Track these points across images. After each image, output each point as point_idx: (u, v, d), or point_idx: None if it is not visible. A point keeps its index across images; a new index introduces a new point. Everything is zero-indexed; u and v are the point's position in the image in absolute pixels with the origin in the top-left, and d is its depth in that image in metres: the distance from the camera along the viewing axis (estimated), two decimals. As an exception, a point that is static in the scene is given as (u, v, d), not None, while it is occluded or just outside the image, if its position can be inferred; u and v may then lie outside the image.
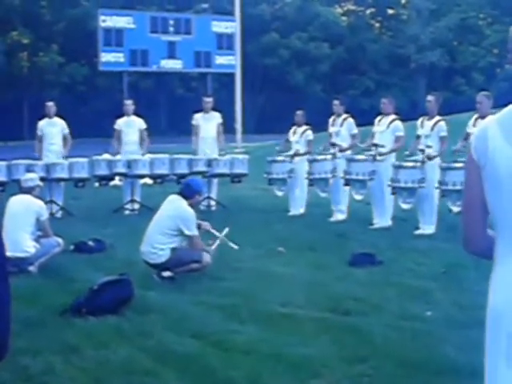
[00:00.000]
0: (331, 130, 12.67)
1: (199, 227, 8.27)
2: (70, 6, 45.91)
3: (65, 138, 13.79)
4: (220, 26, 31.11)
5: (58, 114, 13.92)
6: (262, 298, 7.12)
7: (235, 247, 8.68)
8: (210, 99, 14.41)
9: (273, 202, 13.82)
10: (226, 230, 8.77)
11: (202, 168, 13.67)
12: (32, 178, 9.12)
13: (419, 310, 6.66)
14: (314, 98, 46.62)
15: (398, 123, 11.67)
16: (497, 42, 53.56)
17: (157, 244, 7.98)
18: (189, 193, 8.23)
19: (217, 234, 8.62)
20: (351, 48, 53.27)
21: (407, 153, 11.36)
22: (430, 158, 10.77)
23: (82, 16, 43.91)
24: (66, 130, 13.80)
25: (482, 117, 10.09)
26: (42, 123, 13.85)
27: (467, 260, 7.91)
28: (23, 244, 8.36)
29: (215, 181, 14.18)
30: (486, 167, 2.37)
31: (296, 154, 12.97)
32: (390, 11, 57.63)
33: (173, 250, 7.98)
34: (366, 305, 6.87)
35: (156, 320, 6.39)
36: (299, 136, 13.18)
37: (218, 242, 8.55)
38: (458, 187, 9.95)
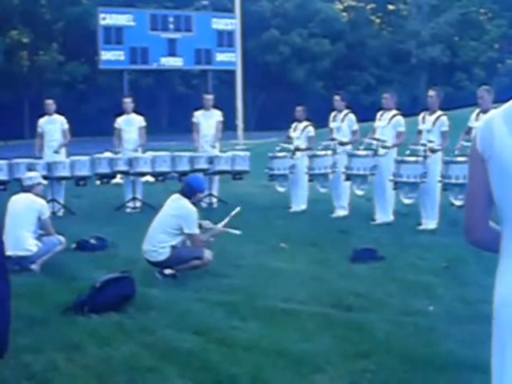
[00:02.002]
0: (332, 125, 12.67)
1: (200, 227, 8.28)
2: (70, 4, 45.84)
3: (64, 134, 13.81)
4: (220, 23, 31.06)
5: (59, 112, 13.93)
6: (264, 294, 7.13)
7: (237, 233, 8.65)
8: (210, 96, 14.41)
9: (274, 199, 13.83)
10: (238, 209, 8.76)
11: (203, 165, 13.67)
12: (32, 177, 9.12)
13: (421, 305, 6.66)
14: (315, 95, 46.60)
15: (400, 118, 11.67)
16: (498, 37, 53.56)
17: (158, 242, 7.99)
18: (189, 192, 8.24)
19: (217, 226, 8.59)
20: (352, 44, 53.20)
21: (411, 147, 11.32)
22: (432, 151, 10.76)
23: (81, 14, 43.85)
24: (66, 126, 13.81)
25: (484, 111, 10.10)
26: (42, 120, 13.87)
27: (469, 255, 7.94)
28: (25, 242, 8.37)
29: (216, 178, 14.17)
30: (490, 160, 2.39)
31: (297, 149, 12.96)
32: (391, 7, 57.57)
33: (173, 247, 7.99)
34: (368, 300, 6.87)
35: (158, 317, 6.41)
36: (300, 132, 13.17)
37: (223, 223, 8.52)
38: (461, 181, 9.94)
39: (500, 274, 2.42)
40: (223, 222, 8.57)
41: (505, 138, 2.35)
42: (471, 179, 2.51)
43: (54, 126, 13.75)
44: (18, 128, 39.89)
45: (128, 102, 14.16)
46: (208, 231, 8.38)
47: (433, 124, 10.95)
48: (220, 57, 30.92)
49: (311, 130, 13.14)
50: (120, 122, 14.00)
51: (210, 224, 8.59)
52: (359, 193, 12.01)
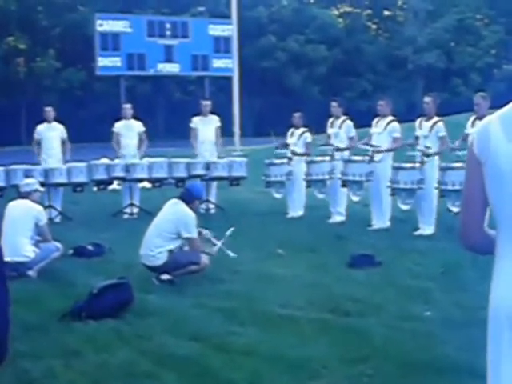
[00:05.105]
0: (330, 131, 12.69)
1: (200, 234, 8.29)
2: (67, 10, 45.86)
3: (63, 143, 13.83)
4: (217, 29, 31.08)
5: (57, 119, 13.94)
6: (262, 299, 7.13)
7: (232, 255, 8.65)
8: (208, 103, 14.42)
9: (271, 205, 13.83)
10: (231, 229, 8.78)
11: (200, 171, 13.67)
12: (29, 183, 9.13)
13: (418, 311, 6.68)
14: (312, 101, 46.60)
15: (396, 124, 11.69)
16: (494, 43, 53.65)
17: (155, 247, 8.00)
18: (188, 198, 8.27)
19: (217, 242, 8.60)
20: (348, 50, 53.29)
21: (405, 143, 11.41)
22: (427, 156, 10.77)
23: (78, 21, 43.84)
24: (65, 135, 13.83)
25: (480, 118, 10.11)
26: (40, 127, 13.86)
27: (466, 260, 7.96)
28: (22, 249, 8.37)
29: (214, 184, 14.18)
30: (487, 163, 2.40)
31: (294, 154, 12.97)
32: (387, 13, 57.63)
33: (170, 252, 8.00)
34: (366, 306, 6.88)
35: (156, 323, 6.41)
36: (297, 138, 13.19)
37: (218, 246, 8.54)
38: (458, 187, 9.96)
39: (496, 276, 2.43)
40: (218, 246, 8.55)
41: (501, 141, 2.37)
42: (468, 182, 2.52)
43: (53, 134, 13.75)
44: (15, 134, 39.86)
45: (127, 107, 14.22)
46: (207, 248, 8.37)
47: (429, 130, 10.97)
48: (217, 63, 30.94)
49: (308, 136, 13.17)
50: (119, 127, 14.02)
51: (209, 235, 8.60)
52: (355, 199, 12.04)
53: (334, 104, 12.72)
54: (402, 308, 6.78)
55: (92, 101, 45.65)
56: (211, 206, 13.97)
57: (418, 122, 11.31)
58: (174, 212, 8.14)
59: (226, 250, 8.57)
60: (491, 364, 2.42)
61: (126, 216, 13.54)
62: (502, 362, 2.36)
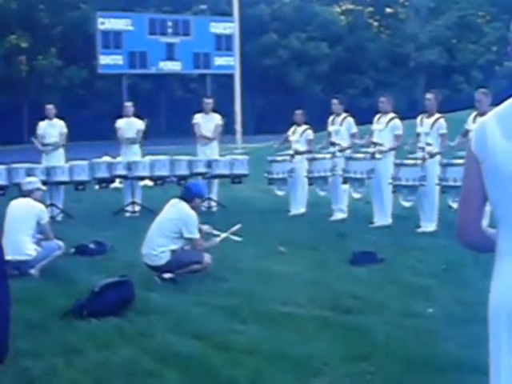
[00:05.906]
0: (330, 128, 12.68)
1: (200, 231, 8.28)
2: (69, 9, 45.88)
3: (61, 137, 13.81)
4: (219, 27, 31.09)
5: (59, 117, 13.98)
6: (264, 297, 7.13)
7: (238, 239, 8.65)
8: (210, 100, 14.42)
9: (273, 202, 13.83)
10: (238, 226, 8.80)
11: (202, 169, 13.67)
12: (31, 182, 9.14)
13: (420, 308, 6.68)
14: (314, 98, 46.56)
15: (397, 121, 11.68)
16: (496, 40, 53.53)
17: (157, 246, 7.99)
18: (189, 196, 8.25)
19: (219, 233, 8.61)
20: (350, 47, 53.24)
21: (407, 147, 11.40)
22: (431, 156, 10.78)
23: (80, 19, 43.85)
24: (64, 130, 13.84)
25: (481, 114, 10.08)
26: (42, 124, 13.91)
27: (468, 257, 7.94)
28: (24, 247, 8.37)
29: (215, 182, 14.18)
30: (485, 162, 2.39)
31: (296, 153, 12.97)
32: (389, 10, 57.58)
33: (173, 251, 7.99)
34: (368, 303, 6.88)
35: (157, 321, 6.41)
36: (299, 135, 13.18)
37: (222, 237, 8.55)
38: (459, 183, 9.92)
39: (496, 274, 2.43)
40: (222, 236, 8.57)
41: (498, 140, 2.36)
42: (466, 180, 2.52)
43: (53, 130, 13.78)
44: (17, 133, 39.86)
45: (129, 105, 14.27)
46: (208, 242, 8.38)
47: (431, 127, 10.96)
48: (218, 61, 30.94)
49: (310, 134, 13.16)
50: (120, 123, 14.03)
51: (210, 229, 8.60)
52: (356, 196, 12.04)
53: (334, 101, 12.71)
54: (403, 305, 6.77)
55: (94, 99, 45.64)
56: (213, 203, 13.96)
57: (419, 118, 11.29)
58: (176, 212, 8.12)
59: (231, 236, 8.57)
60: (492, 361, 2.42)
61: (127, 214, 13.55)
62: (502, 359, 2.36)
